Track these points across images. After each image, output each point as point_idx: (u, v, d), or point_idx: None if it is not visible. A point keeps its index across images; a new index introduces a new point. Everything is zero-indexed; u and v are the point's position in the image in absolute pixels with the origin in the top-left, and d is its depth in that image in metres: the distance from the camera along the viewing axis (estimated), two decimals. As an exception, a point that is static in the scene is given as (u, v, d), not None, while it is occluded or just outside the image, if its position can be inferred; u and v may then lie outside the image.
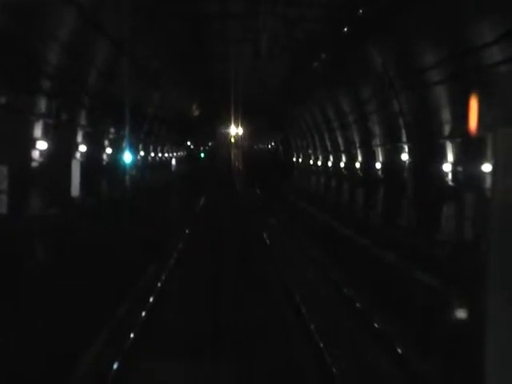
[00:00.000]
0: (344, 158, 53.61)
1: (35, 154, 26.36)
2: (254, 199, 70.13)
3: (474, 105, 24.09)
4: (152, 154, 65.20)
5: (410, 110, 33.36)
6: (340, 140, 54.16)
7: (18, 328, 16.01)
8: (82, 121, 33.99)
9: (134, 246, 29.63)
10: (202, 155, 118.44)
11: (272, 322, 19.47)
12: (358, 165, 47.96)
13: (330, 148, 60.27)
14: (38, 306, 17.93)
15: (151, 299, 20.59)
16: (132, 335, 16.09)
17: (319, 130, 63.69)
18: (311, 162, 73.33)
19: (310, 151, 74.49)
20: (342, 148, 53.94)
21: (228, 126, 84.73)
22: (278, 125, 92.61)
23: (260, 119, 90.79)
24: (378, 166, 41.61)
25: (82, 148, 34.07)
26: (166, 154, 79.50)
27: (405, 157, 35.20)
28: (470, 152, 26.58)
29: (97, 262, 24.13)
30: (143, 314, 18.48)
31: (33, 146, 26.20)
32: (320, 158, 67.02)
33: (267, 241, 36.83)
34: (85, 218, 31.27)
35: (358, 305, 21.47)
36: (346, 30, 33.47)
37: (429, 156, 31.32)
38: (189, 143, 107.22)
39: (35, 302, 18.29)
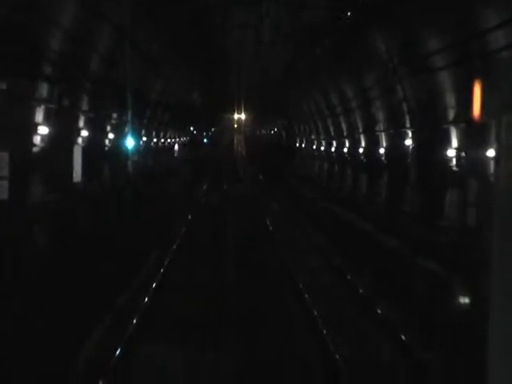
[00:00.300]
0: (347, 144, 53.46)
1: (37, 140, 26.23)
2: (257, 184, 70.18)
3: (477, 90, 23.97)
4: (155, 140, 65.01)
5: (414, 95, 33.21)
6: (343, 125, 53.98)
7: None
8: (84, 106, 33.82)
9: (137, 232, 29.66)
10: (205, 141, 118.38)
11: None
12: (361, 150, 47.80)
13: (333, 133, 60.09)
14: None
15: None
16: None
17: (322, 115, 63.47)
18: (314, 147, 73.19)
19: (312, 137, 74.32)
20: (345, 133, 53.77)
21: (231, 111, 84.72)
22: (281, 111, 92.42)
23: (263, 105, 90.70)
24: (382, 151, 41.45)
25: (84, 133, 33.93)
26: (169, 140, 79.34)
27: (408, 142, 35.06)
28: (473, 138, 26.43)
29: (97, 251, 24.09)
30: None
31: (34, 132, 26.07)
32: (323, 143, 66.84)
33: (270, 227, 36.91)
34: (86, 203, 31.17)
35: (361, 290, 21.62)
36: (349, 15, 33.24)
37: (433, 141, 31.15)
38: (192, 129, 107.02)
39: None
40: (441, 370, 14.40)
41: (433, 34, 27.80)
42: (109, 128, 40.71)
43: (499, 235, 4.03)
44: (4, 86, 21.83)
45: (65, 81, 28.51)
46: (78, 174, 32.61)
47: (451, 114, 28.81)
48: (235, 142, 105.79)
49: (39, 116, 26.46)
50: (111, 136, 40.84)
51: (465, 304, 18.57)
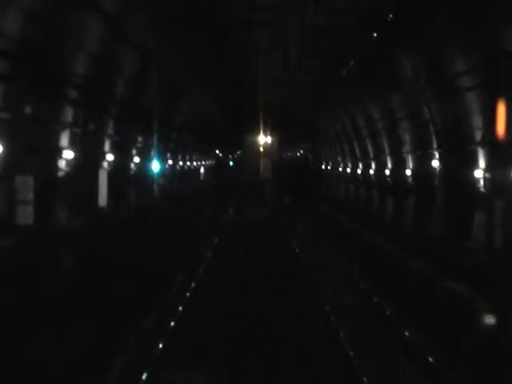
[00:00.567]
0: (373, 165, 53.22)
1: (62, 164, 26.24)
2: (284, 208, 69.93)
3: (501, 111, 23.77)
4: (180, 163, 65.08)
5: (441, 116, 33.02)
6: (369, 147, 53.78)
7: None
8: (110, 130, 33.87)
9: (163, 258, 29.49)
10: (231, 163, 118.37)
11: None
12: (387, 172, 47.55)
13: (359, 155, 59.90)
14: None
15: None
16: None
17: (349, 137, 63.28)
18: (340, 169, 72.97)
19: (338, 159, 74.12)
20: (371, 155, 53.56)
21: (257, 134, 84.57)
22: (307, 133, 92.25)
23: (289, 127, 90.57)
24: (409, 173, 41.17)
25: (110, 157, 33.96)
26: (195, 163, 79.42)
27: (435, 163, 34.80)
28: (499, 158, 26.19)
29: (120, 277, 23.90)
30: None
31: (59, 156, 26.08)
32: (349, 165, 66.64)
33: (296, 249, 36.62)
34: (112, 228, 31.08)
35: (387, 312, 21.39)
36: (375, 36, 33.08)
37: (460, 162, 30.91)
38: (217, 152, 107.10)
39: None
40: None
41: (459, 54, 27.60)
42: (134, 152, 40.76)
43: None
44: (29, 110, 21.86)
45: (90, 105, 28.58)
46: (103, 198, 32.61)
47: (478, 135, 28.57)
48: (261, 164, 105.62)
49: (64, 140, 26.49)
50: (137, 160, 40.87)
51: (490, 324, 18.36)
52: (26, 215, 22.04)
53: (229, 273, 29.82)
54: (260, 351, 17.11)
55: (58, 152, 25.99)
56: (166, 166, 53.53)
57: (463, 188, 30.54)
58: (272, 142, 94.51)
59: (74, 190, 26.97)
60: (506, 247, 24.98)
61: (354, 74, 42.45)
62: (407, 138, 40.50)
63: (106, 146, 33.82)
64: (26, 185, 22.23)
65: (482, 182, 28.78)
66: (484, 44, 24.99)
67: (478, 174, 28.81)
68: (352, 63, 40.54)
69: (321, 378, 15.49)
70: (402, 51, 33.45)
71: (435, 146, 34.65)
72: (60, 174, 26.16)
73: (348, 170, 67.12)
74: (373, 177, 53.56)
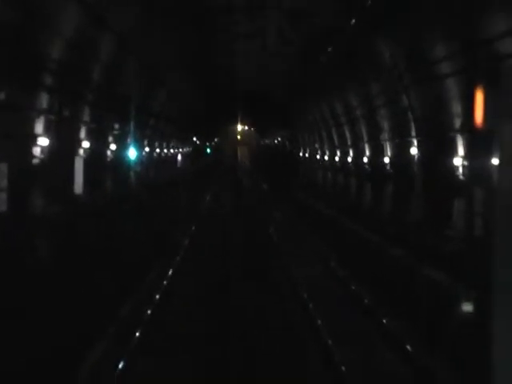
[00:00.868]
0: (351, 153, 53.08)
1: (36, 151, 25.82)
2: (261, 194, 69.90)
3: (479, 98, 23.69)
4: (157, 150, 64.67)
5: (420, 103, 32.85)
6: (347, 134, 53.61)
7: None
8: (86, 117, 33.41)
9: (140, 246, 29.26)
10: (208, 151, 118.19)
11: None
12: (365, 159, 47.43)
13: (336, 143, 59.74)
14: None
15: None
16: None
17: (327, 124, 63.06)
18: (318, 156, 72.79)
19: (316, 146, 73.93)
20: (349, 142, 53.41)
21: (234, 122, 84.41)
22: (285, 121, 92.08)
23: (267, 115, 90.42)
24: (387, 160, 41.02)
25: (86, 144, 33.52)
26: (172, 150, 79.02)
27: (414, 151, 34.65)
28: (478, 146, 26.05)
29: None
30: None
31: (34, 143, 25.65)
32: (327, 152, 66.44)
33: (274, 237, 36.58)
34: (88, 215, 30.75)
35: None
36: (353, 22, 32.81)
37: (439, 150, 30.77)
38: (195, 139, 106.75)
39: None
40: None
41: (438, 40, 27.39)
42: (111, 139, 40.30)
43: (502, 242, 4.09)
44: (2, 96, 21.43)
45: (65, 91, 28.13)
46: (79, 185, 32.20)
47: (457, 123, 28.42)
48: (238, 152, 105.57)
49: (39, 127, 26.04)
50: (113, 147, 40.43)
51: (468, 311, 18.44)
52: (-1, 202, 21.71)
53: (206, 261, 29.68)
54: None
55: (32, 139, 25.55)
56: (143, 154, 53.12)
57: (442, 176, 30.41)
58: (250, 129, 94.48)
59: (50, 177, 26.55)
60: (485, 235, 24.97)
61: (333, 61, 42.19)
62: (386, 125, 40.33)
63: (82, 133, 33.35)
64: (-1, 172, 21.88)
65: (461, 170, 28.66)
66: (463, 30, 24.79)
67: (457, 161, 28.67)
68: (330, 49, 40.24)
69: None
70: (380, 37, 33.21)
71: (414, 133, 34.48)
72: (35, 161, 25.73)
73: (326, 158, 66.95)
74: (351, 164, 53.42)
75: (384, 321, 19.34)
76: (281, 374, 15.38)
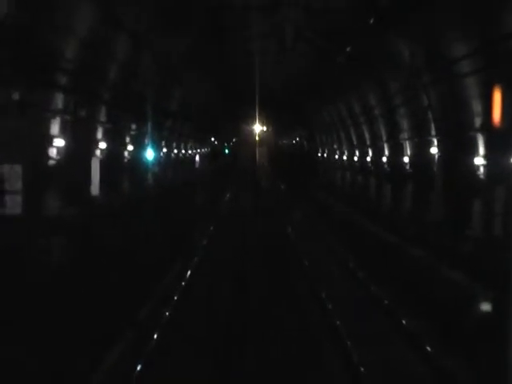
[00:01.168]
0: (370, 153, 52.72)
1: (52, 152, 25.60)
2: (280, 195, 69.68)
3: (497, 97, 23.43)
4: (175, 151, 64.49)
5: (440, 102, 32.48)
6: (366, 134, 53.24)
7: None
8: (102, 117, 33.20)
9: (157, 246, 29.03)
10: (227, 151, 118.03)
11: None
12: (384, 159, 47.07)
13: (355, 142, 59.37)
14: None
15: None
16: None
17: (345, 124, 62.68)
18: (336, 156, 72.45)
19: (335, 146, 73.58)
20: (368, 142, 53.05)
21: (253, 121, 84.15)
22: (303, 120, 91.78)
23: (285, 115, 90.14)
24: (406, 160, 40.64)
25: (102, 145, 33.32)
26: (190, 151, 78.88)
27: (434, 150, 34.28)
28: (499, 145, 25.71)
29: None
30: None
31: (49, 144, 25.44)
32: (345, 152, 66.10)
33: (289, 233, 36.53)
34: (104, 217, 30.54)
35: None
36: (372, 20, 32.41)
37: (459, 149, 30.40)
38: (213, 139, 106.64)
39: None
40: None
41: (458, 38, 27.01)
42: (128, 139, 40.11)
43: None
44: (17, 97, 21.22)
45: (81, 91, 27.91)
46: (95, 187, 32.00)
47: (478, 122, 28.04)
48: (257, 152, 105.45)
49: (54, 127, 25.83)
50: (130, 148, 40.23)
51: (486, 311, 18.33)
52: (14, 205, 21.46)
53: (225, 263, 29.45)
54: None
55: (48, 140, 25.35)
56: (161, 154, 52.95)
57: (462, 175, 30.06)
58: (268, 129, 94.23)
59: (66, 178, 26.33)
60: (505, 235, 24.70)
61: (351, 60, 41.82)
62: (405, 124, 39.96)
63: (99, 134, 33.15)
64: (14, 173, 21.64)
65: (481, 170, 28.28)
66: (483, 28, 24.43)
67: (478, 161, 28.29)
68: (349, 48, 39.86)
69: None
70: (399, 36, 32.83)
71: (433, 132, 34.11)
72: (51, 162, 25.53)
73: (344, 158, 66.62)
74: (370, 164, 53.07)
75: (403, 321, 19.14)
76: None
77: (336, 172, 72.60)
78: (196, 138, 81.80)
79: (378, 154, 48.90)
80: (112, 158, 35.03)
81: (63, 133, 26.32)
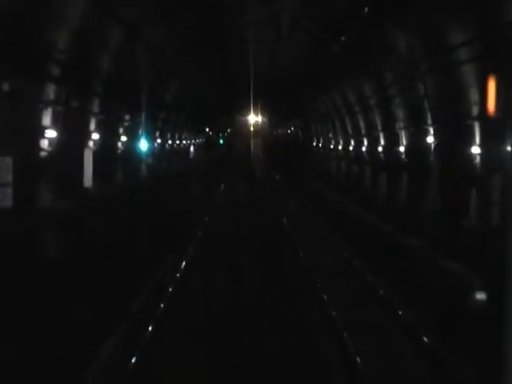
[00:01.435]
0: (366, 142, 52.52)
1: (44, 144, 25.31)
2: (274, 185, 69.60)
3: (492, 86, 23.24)
4: (169, 142, 64.24)
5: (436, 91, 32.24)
6: (361, 123, 53.02)
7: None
8: (95, 108, 32.89)
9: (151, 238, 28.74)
10: (221, 142, 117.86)
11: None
12: (380, 148, 46.86)
13: (351, 132, 59.17)
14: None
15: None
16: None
17: (340, 113, 62.45)
18: (332, 146, 72.29)
19: (330, 135, 73.41)
20: (363, 131, 52.84)
21: (247, 111, 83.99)
22: (298, 110, 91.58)
23: (280, 104, 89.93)
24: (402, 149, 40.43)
25: (95, 136, 33.02)
26: (184, 142, 78.61)
27: (430, 139, 34.06)
28: (496, 134, 25.51)
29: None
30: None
31: (41, 135, 25.13)
32: (341, 142, 65.93)
33: (287, 227, 36.40)
34: (98, 209, 30.27)
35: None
36: (367, 8, 32.09)
37: (456, 138, 30.19)
38: (207, 130, 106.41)
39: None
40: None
41: (455, 26, 26.75)
42: (121, 130, 39.82)
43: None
44: (7, 88, 20.91)
45: (73, 81, 27.58)
46: (88, 178, 31.71)
47: (475, 110, 27.81)
48: (252, 142, 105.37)
49: (46, 119, 25.51)
50: (124, 139, 39.93)
51: (482, 300, 18.22)
52: (4, 198, 21.17)
53: (220, 254, 29.24)
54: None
55: (39, 131, 25.04)
56: (155, 145, 52.67)
57: (459, 164, 29.85)
58: (263, 119, 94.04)
59: (58, 170, 26.03)
60: (502, 224, 24.56)
61: (347, 49, 41.50)
62: (401, 113, 39.72)
63: (92, 125, 32.87)
64: (4, 166, 21.35)
65: (478, 159, 28.09)
66: (481, 15, 24.18)
67: (475, 150, 28.07)
68: (344, 37, 39.53)
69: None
70: (395, 24, 32.52)
71: (430, 121, 33.89)
72: (42, 154, 25.24)
73: (339, 147, 66.45)
74: (365, 154, 52.88)
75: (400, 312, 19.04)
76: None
77: (331, 162, 72.43)
78: (191, 128, 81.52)
79: (374, 143, 48.71)
80: (105, 149, 34.78)
81: (55, 124, 26.03)
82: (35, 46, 22.66)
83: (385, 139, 45.66)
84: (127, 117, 40.52)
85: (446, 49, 28.12)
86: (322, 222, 40.71)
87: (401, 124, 40.16)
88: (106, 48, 31.26)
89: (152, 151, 47.96)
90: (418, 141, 36.33)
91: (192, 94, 65.68)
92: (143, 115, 40.39)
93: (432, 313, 18.69)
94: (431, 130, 33.84)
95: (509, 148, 23.92)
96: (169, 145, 63.70)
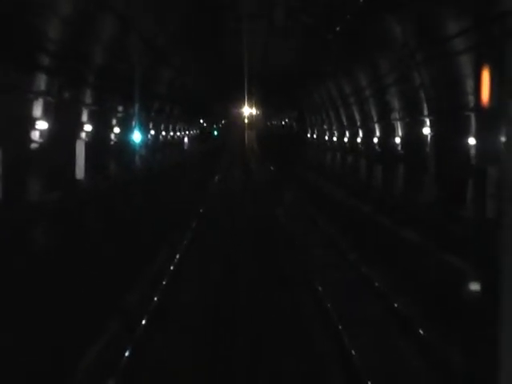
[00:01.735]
0: (361, 133, 52.30)
1: (35, 135, 24.97)
2: (268, 176, 69.44)
3: (486, 76, 23.03)
4: (163, 133, 63.94)
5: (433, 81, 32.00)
6: (356, 115, 52.79)
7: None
8: (87, 99, 32.56)
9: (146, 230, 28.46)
10: (216, 133, 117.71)
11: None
12: (375, 140, 46.64)
13: (345, 123, 58.95)
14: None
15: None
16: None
17: (335, 104, 62.23)
18: (326, 137, 72.14)
19: (325, 126, 73.22)
20: (358, 123, 52.62)
21: (242, 103, 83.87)
22: (292, 101, 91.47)
23: (274, 96, 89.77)
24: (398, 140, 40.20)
25: (88, 128, 32.69)
26: (178, 133, 78.34)
27: (426, 130, 33.85)
28: (491, 125, 25.29)
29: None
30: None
31: (32, 126, 24.79)
32: (335, 133, 65.73)
33: (281, 219, 36.24)
34: (90, 201, 29.96)
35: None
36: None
37: (453, 129, 29.99)
38: (202, 121, 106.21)
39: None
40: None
41: (451, 16, 26.50)
42: (114, 122, 39.51)
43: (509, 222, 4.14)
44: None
45: (65, 72, 27.24)
46: (81, 170, 31.41)
47: (472, 101, 27.60)
48: (246, 133, 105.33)
49: (37, 109, 25.18)
50: (117, 130, 39.62)
51: (475, 290, 18.18)
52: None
53: (214, 245, 29.00)
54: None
55: (30, 122, 24.70)
56: (149, 137, 52.36)
57: (456, 155, 29.67)
58: (257, 111, 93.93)
59: (49, 162, 25.69)
60: (498, 215, 24.33)
61: (342, 39, 41.23)
62: (396, 104, 39.49)
63: (84, 116, 32.55)
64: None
65: (474, 150, 27.93)
66: (476, 4, 23.92)
67: (472, 141, 27.86)
68: (339, 27, 39.24)
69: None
70: (390, 13, 32.25)
71: (426, 112, 33.67)
72: (33, 145, 24.89)
73: (334, 139, 66.26)
74: (360, 145, 52.67)
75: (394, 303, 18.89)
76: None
77: (326, 153, 72.24)
78: (185, 120, 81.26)
79: (369, 134, 48.50)
80: (98, 140, 34.48)
81: (46, 115, 25.69)
82: (26, 36, 22.32)
83: (380, 130, 45.44)
84: (120, 108, 40.22)
85: (441, 39, 27.89)
86: (316, 213, 40.51)
87: (396, 115, 39.92)
88: (98, 38, 30.92)
89: (145, 142, 47.64)
90: (414, 132, 36.13)
91: (186, 84, 65.41)
92: (136, 106, 40.01)
93: (424, 303, 18.73)
94: (427, 121, 33.64)
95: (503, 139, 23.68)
96: (162, 136, 63.39)
